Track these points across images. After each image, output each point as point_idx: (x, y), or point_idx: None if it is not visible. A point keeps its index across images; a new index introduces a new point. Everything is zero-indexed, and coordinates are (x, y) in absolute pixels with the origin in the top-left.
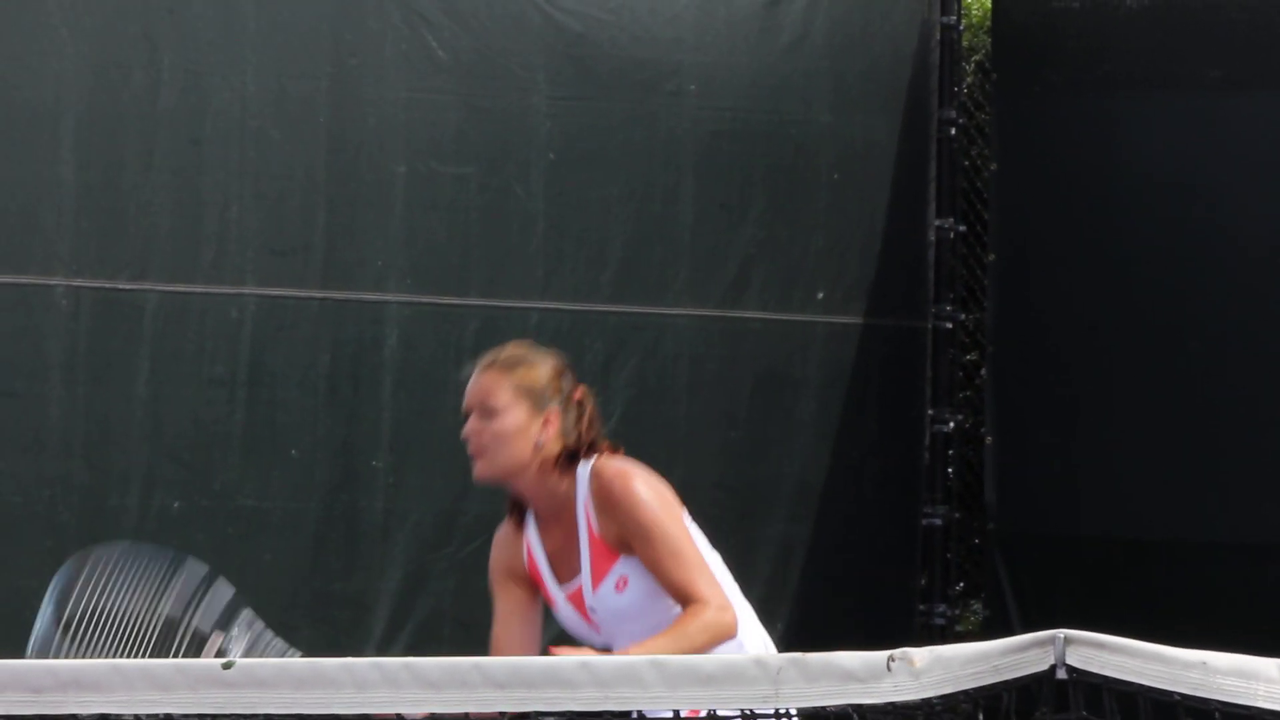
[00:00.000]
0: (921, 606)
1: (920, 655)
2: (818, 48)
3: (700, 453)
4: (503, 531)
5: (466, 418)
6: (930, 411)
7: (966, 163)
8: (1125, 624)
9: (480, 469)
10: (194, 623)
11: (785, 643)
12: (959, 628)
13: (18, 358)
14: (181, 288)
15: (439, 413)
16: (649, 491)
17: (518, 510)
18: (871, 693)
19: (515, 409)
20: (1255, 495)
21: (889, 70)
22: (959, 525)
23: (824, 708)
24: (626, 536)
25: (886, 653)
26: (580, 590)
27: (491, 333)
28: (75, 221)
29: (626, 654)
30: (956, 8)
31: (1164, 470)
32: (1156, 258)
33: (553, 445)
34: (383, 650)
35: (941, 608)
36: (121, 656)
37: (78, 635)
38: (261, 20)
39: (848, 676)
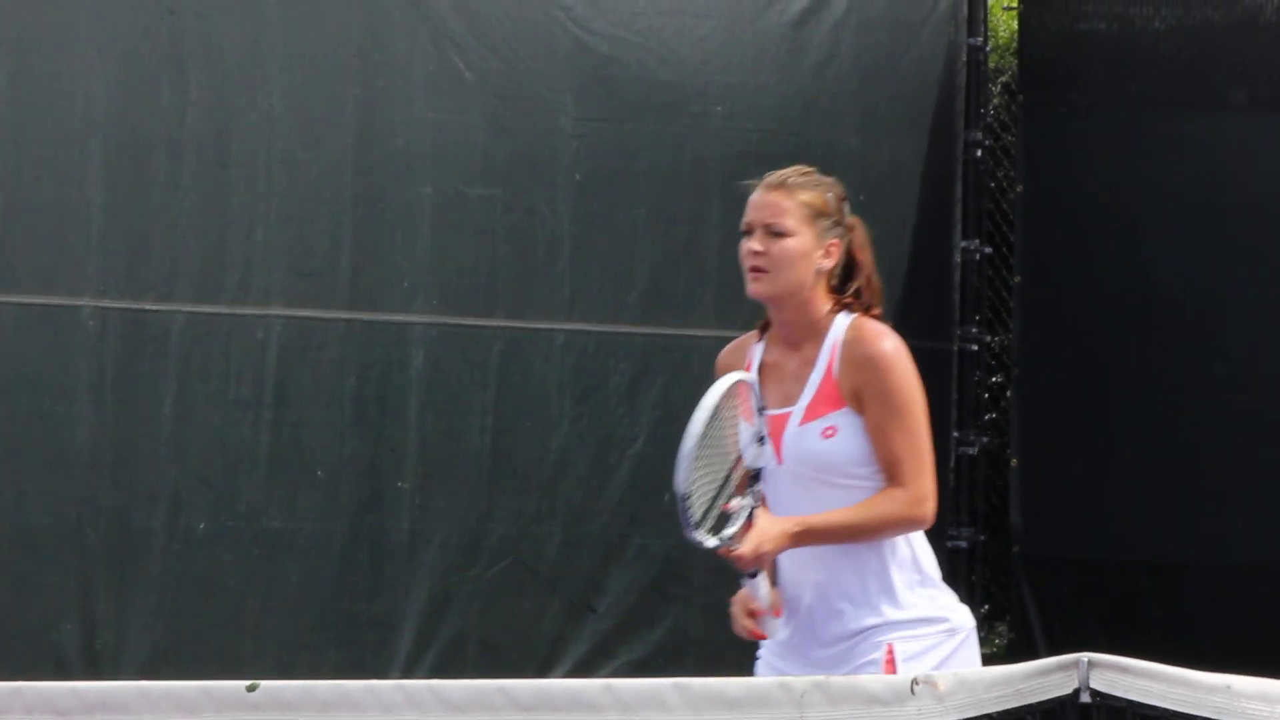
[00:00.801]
0: None
1: (944, 679)
2: (844, 69)
3: None
4: (740, 340)
5: (747, 233)
6: (956, 434)
7: (993, 184)
8: (1150, 647)
9: (759, 287)
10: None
11: None
12: (984, 650)
13: (46, 378)
14: (208, 309)
15: (465, 434)
16: (909, 368)
17: (762, 330)
18: (896, 716)
19: (803, 231)
20: None
21: (915, 92)
22: (984, 547)
23: None
24: (864, 394)
25: (911, 676)
26: (787, 418)
27: (517, 354)
28: (103, 242)
29: (812, 519)
30: (983, 30)
31: (1189, 493)
32: (1182, 280)
33: (828, 274)
34: (408, 672)
35: None
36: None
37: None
38: (289, 42)
39: (872, 700)
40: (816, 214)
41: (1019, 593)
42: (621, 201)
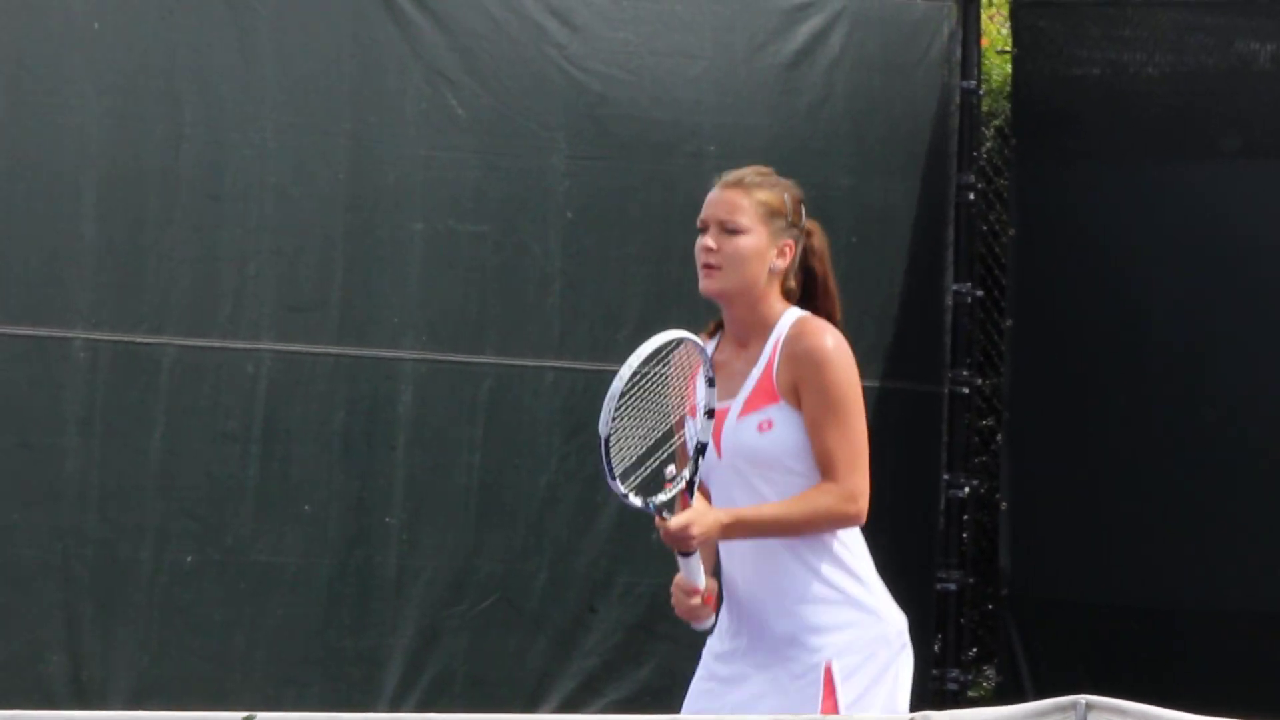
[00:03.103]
0: (934, 671)
1: (941, 718)
2: (838, 111)
3: None
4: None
5: (702, 230)
6: (945, 476)
7: (985, 228)
8: (1138, 692)
9: (710, 284)
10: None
11: None
12: (971, 693)
13: (34, 410)
14: (199, 342)
15: (453, 470)
16: (849, 366)
17: (714, 330)
18: None
19: (757, 230)
20: (1270, 564)
21: (908, 134)
22: (973, 590)
23: None
24: (802, 388)
25: (909, 715)
26: (727, 411)
27: (505, 391)
28: (94, 275)
29: (744, 511)
30: (977, 73)
31: (1179, 538)
32: (1173, 325)
33: (781, 275)
34: (394, 708)
35: (954, 673)
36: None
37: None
38: (282, 77)
39: None
40: (771, 213)
41: (1007, 636)
42: (613, 240)
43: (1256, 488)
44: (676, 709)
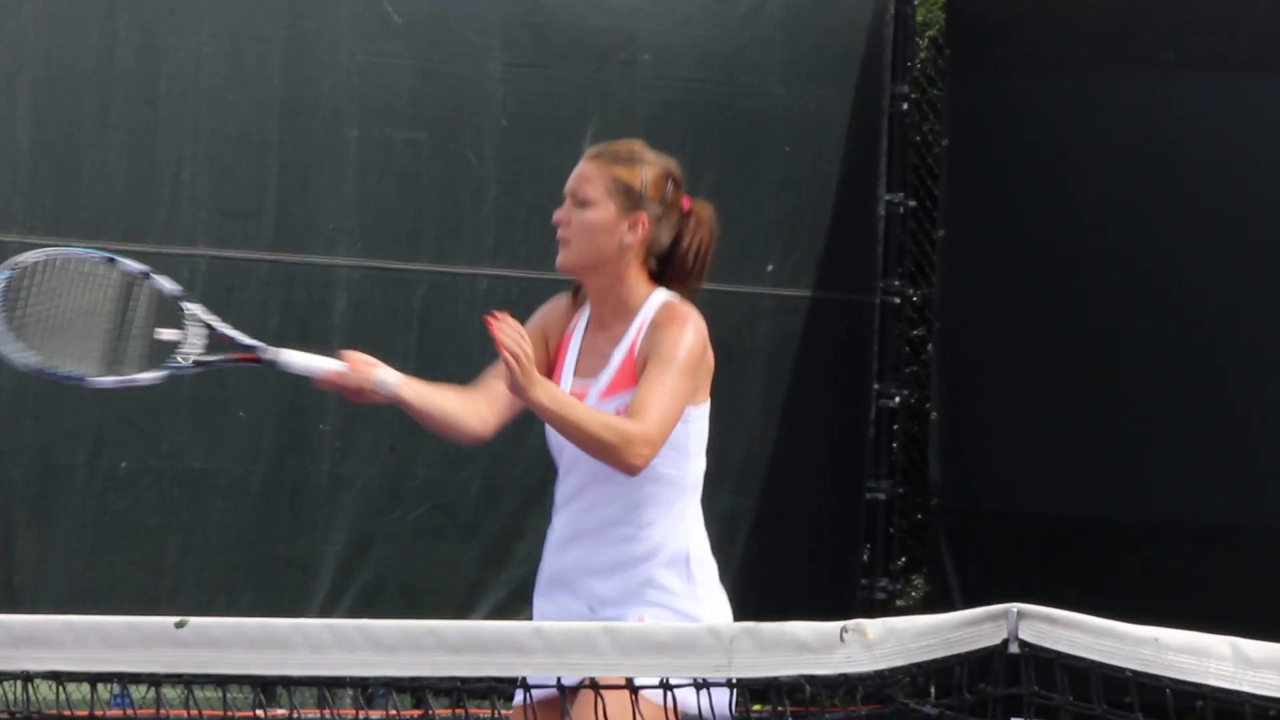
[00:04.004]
0: (863, 580)
1: (873, 627)
2: (773, 19)
3: None
4: (560, 300)
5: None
6: (876, 386)
7: (918, 138)
8: (1067, 602)
9: (562, 258)
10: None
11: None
12: (900, 602)
13: None
14: (134, 247)
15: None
16: (697, 341)
17: (577, 291)
18: (824, 663)
19: (605, 204)
20: (1199, 477)
21: (843, 44)
22: (902, 500)
23: (777, 678)
24: (649, 356)
25: (840, 624)
26: (586, 392)
27: (440, 299)
28: (30, 180)
29: (553, 393)
30: None
31: (1109, 449)
32: (1106, 237)
33: (637, 250)
34: (325, 615)
35: (883, 582)
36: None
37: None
38: None
39: (801, 647)
40: (624, 188)
41: (936, 546)
42: (548, 148)
43: (1189, 400)
44: None
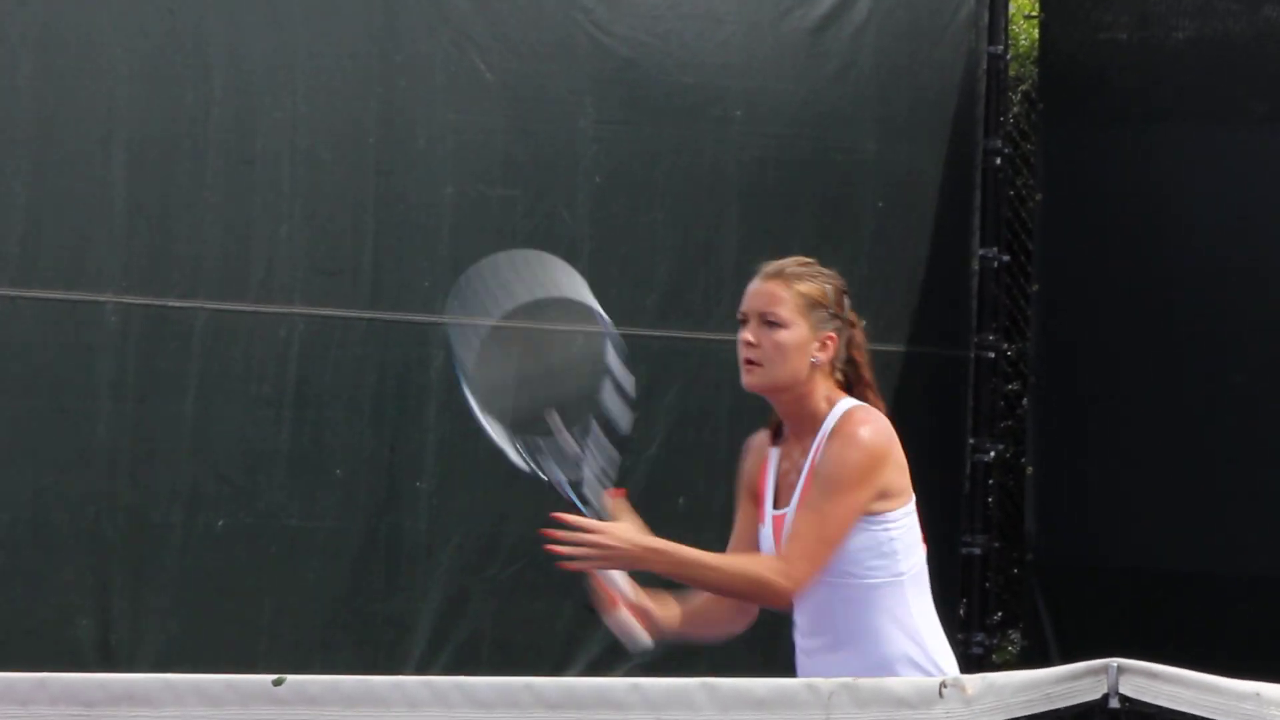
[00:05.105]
0: (959, 635)
1: (973, 682)
2: (864, 76)
3: None
4: (756, 440)
5: (742, 323)
6: (971, 440)
7: (1011, 193)
8: (1164, 657)
9: (752, 379)
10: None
11: None
12: (996, 657)
13: (67, 374)
14: (230, 306)
15: (483, 434)
16: (859, 454)
17: (777, 425)
18: (923, 719)
19: (798, 323)
20: None
21: (935, 99)
22: (998, 554)
23: None
24: (817, 478)
25: (939, 679)
26: (784, 518)
27: (535, 355)
28: (126, 239)
29: (673, 548)
30: (1004, 38)
31: (1204, 503)
32: (1200, 291)
33: (825, 368)
34: (422, 672)
35: (979, 636)
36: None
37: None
38: (312, 42)
39: (899, 703)
40: (813, 305)
41: (1032, 600)
42: (641, 205)
43: None
44: (701, 672)
